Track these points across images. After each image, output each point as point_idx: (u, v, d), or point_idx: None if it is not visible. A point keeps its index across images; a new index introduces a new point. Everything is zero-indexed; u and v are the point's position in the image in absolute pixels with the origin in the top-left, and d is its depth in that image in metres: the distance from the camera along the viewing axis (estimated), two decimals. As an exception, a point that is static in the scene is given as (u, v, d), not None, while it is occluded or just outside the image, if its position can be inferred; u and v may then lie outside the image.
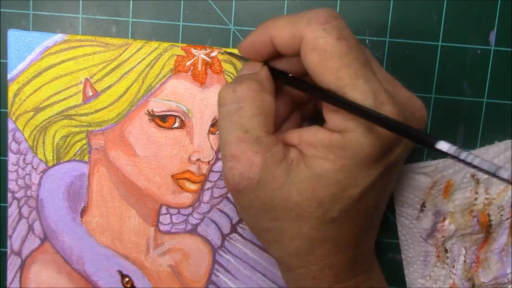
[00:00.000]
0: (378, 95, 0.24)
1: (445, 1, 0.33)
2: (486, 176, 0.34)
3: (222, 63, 0.33)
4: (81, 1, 0.34)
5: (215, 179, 0.34)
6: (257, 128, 0.25)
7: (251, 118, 0.25)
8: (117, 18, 0.34)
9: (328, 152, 0.24)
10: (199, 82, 0.33)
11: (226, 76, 0.33)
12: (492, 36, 0.33)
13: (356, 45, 0.24)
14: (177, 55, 0.33)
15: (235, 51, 0.33)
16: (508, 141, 0.34)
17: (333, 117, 0.24)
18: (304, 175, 0.25)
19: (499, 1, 0.33)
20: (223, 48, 0.33)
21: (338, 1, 0.33)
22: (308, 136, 0.25)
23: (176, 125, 0.34)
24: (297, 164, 0.25)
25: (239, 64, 0.33)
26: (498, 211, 0.34)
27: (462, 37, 0.33)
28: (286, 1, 0.33)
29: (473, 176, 0.34)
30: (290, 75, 0.28)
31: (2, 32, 0.34)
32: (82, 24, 0.34)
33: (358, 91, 0.23)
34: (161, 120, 0.34)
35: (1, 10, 0.34)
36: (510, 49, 0.33)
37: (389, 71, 0.33)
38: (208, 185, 0.34)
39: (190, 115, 0.34)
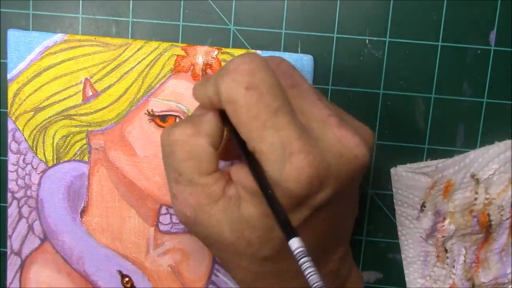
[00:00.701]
0: (288, 145, 0.23)
1: (445, 1, 0.33)
2: (486, 176, 0.34)
3: (222, 63, 0.33)
4: (81, 1, 0.34)
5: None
6: (189, 172, 0.25)
7: (181, 163, 0.25)
8: (117, 18, 0.34)
9: (252, 197, 0.24)
10: (198, 79, 0.33)
11: None
12: (492, 36, 0.33)
13: (268, 91, 0.23)
14: (177, 55, 0.33)
15: (234, 49, 0.33)
16: (508, 141, 0.34)
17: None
18: (235, 216, 0.25)
19: (499, 1, 0.33)
20: (222, 48, 0.33)
21: (338, 1, 0.33)
22: (240, 177, 0.25)
23: (176, 125, 0.34)
24: (234, 204, 0.25)
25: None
26: (498, 211, 0.34)
27: (462, 37, 0.33)
28: (286, 1, 0.33)
29: (473, 176, 0.34)
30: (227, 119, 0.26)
31: (2, 32, 0.34)
32: (82, 24, 0.34)
33: (265, 143, 0.23)
34: (161, 120, 0.34)
35: (1, 10, 0.34)
36: (510, 49, 0.33)
37: (389, 71, 0.33)
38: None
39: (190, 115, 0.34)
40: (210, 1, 0.33)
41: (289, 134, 0.23)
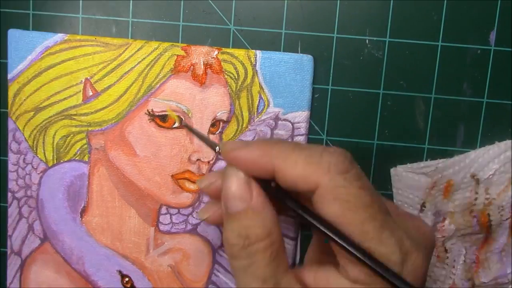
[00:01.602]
0: (402, 244, 0.23)
1: (445, 1, 0.33)
2: (486, 176, 0.34)
3: (222, 63, 0.33)
4: (81, 1, 0.34)
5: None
6: (274, 274, 0.24)
7: (266, 268, 0.24)
8: (117, 18, 0.34)
9: None
10: (199, 82, 0.33)
11: (226, 76, 0.33)
12: (492, 36, 0.33)
13: (376, 193, 0.23)
14: (177, 55, 0.33)
15: (234, 49, 0.33)
16: (508, 141, 0.34)
17: (355, 268, 0.23)
18: None
19: (499, 1, 0.33)
20: (222, 48, 0.33)
21: (338, 1, 0.33)
22: (325, 282, 0.24)
23: (176, 125, 0.34)
24: None
25: (239, 65, 0.33)
26: (498, 211, 0.34)
27: (462, 37, 0.33)
28: (286, 1, 0.33)
29: (473, 176, 0.34)
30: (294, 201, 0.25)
31: (2, 32, 0.34)
32: (82, 24, 0.34)
33: (384, 245, 0.23)
34: (161, 120, 0.34)
35: (1, 10, 0.34)
36: (510, 49, 0.33)
37: (389, 71, 0.33)
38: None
39: (190, 115, 0.34)
40: (210, 1, 0.33)
41: (399, 234, 0.23)
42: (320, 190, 0.23)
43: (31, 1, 0.34)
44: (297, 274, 0.26)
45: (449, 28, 0.33)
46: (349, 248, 0.23)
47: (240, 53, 0.33)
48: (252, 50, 0.33)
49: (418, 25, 0.33)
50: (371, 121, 0.34)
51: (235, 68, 0.33)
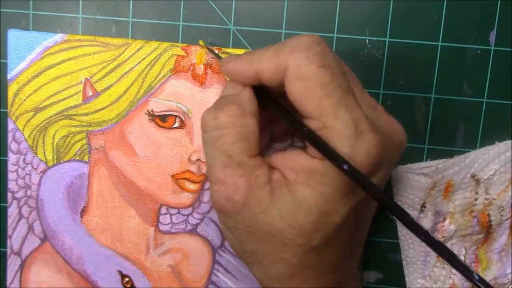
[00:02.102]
0: (359, 123, 0.24)
1: (445, 1, 0.33)
2: (486, 176, 0.34)
3: (222, 63, 0.33)
4: (81, 1, 0.34)
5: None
6: (239, 153, 0.25)
7: (233, 144, 0.25)
8: (117, 18, 0.34)
9: (308, 178, 0.25)
10: (199, 82, 0.33)
11: (226, 76, 0.33)
12: (492, 36, 0.33)
13: (339, 72, 0.24)
14: (177, 55, 0.33)
15: (234, 49, 0.33)
16: (508, 142, 0.34)
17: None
18: (286, 200, 0.25)
19: (499, 1, 0.33)
20: (222, 48, 0.33)
21: (338, 1, 0.33)
22: (290, 160, 0.25)
23: (176, 125, 0.34)
24: (279, 188, 0.25)
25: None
26: (498, 211, 0.34)
27: (462, 37, 0.33)
28: (286, 1, 0.33)
29: (473, 176, 0.34)
30: (272, 100, 0.27)
31: (2, 32, 0.34)
32: (82, 24, 0.34)
33: (339, 120, 0.23)
34: (161, 120, 0.34)
35: (1, 10, 0.34)
36: (510, 49, 0.33)
37: (389, 71, 0.33)
38: (208, 185, 0.34)
39: (190, 115, 0.34)
40: (210, 1, 0.33)
41: (358, 113, 0.24)
42: (287, 72, 0.24)
43: (31, 1, 0.34)
44: (267, 159, 0.27)
45: (449, 28, 0.33)
46: (303, 133, 0.24)
47: (240, 52, 0.33)
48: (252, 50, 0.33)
49: (418, 25, 0.33)
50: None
51: (235, 68, 0.33)
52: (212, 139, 0.26)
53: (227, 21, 0.33)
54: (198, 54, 0.33)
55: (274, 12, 0.33)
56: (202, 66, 0.33)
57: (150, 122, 0.34)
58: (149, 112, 0.34)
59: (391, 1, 0.33)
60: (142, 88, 0.34)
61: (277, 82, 0.25)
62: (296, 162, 0.25)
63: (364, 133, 0.24)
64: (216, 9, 0.33)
